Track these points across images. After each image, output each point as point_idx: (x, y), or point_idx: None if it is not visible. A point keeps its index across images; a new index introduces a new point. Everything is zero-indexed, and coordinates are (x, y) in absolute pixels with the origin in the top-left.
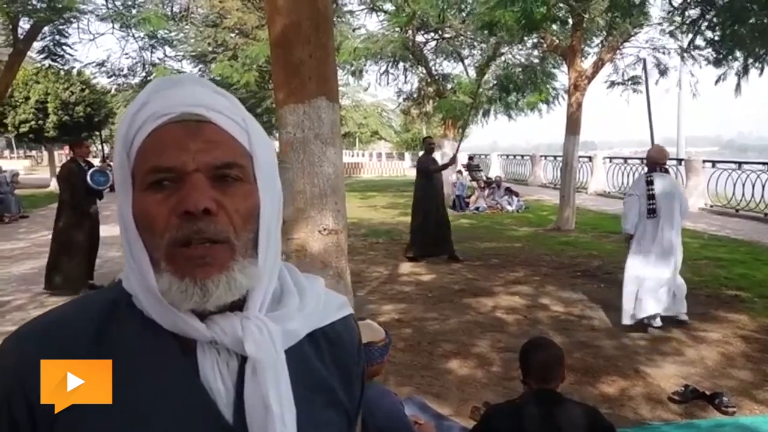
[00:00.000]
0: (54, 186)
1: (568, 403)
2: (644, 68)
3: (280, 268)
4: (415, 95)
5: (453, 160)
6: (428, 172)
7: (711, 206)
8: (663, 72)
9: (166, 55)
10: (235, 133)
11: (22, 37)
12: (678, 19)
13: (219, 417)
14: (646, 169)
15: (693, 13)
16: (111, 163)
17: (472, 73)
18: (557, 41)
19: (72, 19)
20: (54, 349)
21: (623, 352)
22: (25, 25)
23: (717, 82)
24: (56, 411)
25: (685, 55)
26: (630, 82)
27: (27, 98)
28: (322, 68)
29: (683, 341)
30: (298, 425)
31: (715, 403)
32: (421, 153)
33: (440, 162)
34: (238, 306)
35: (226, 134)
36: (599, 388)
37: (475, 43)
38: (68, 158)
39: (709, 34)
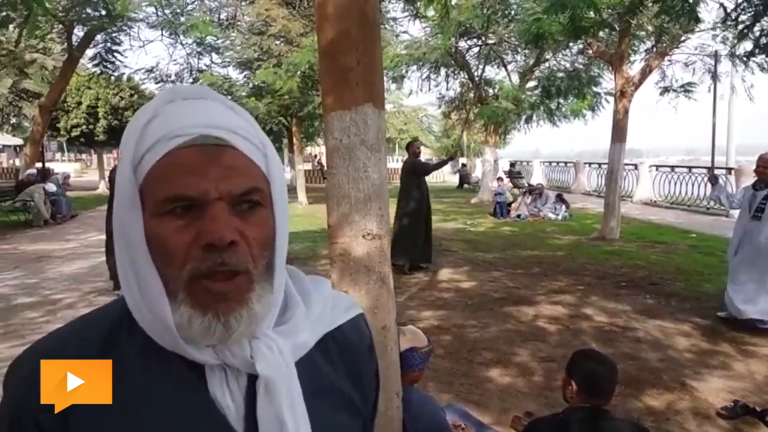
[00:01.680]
0: (102, 188)
1: (617, 421)
2: (715, 64)
3: (285, 276)
4: (456, 101)
5: (452, 158)
6: (426, 171)
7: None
8: (716, 77)
9: (212, 62)
10: (254, 157)
11: (75, 44)
12: (730, 25)
13: (230, 430)
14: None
15: (745, 18)
16: None
17: (516, 78)
18: (604, 47)
19: (124, 27)
20: None
21: (669, 364)
22: (79, 32)
23: None
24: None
25: (737, 60)
26: (683, 89)
27: (79, 103)
28: (369, 75)
29: (731, 355)
30: None
31: (766, 420)
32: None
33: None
34: None
35: (246, 159)
36: (644, 401)
37: (519, 49)
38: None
39: (763, 39)
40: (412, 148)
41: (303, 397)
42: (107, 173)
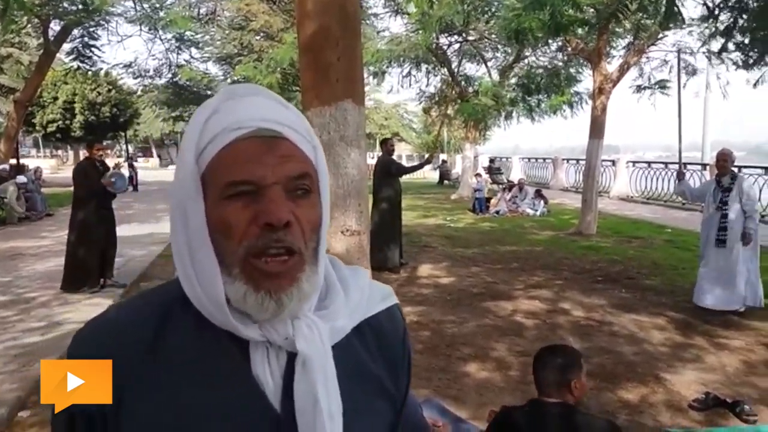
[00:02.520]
0: None
1: (587, 416)
2: (678, 62)
3: (326, 263)
4: (436, 97)
5: (429, 161)
6: (401, 172)
7: None
8: (692, 73)
9: (192, 57)
10: (304, 148)
11: (52, 39)
12: (710, 23)
13: (269, 408)
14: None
15: (724, 17)
16: (133, 164)
17: (496, 75)
18: (582, 44)
19: (101, 22)
20: (112, 348)
21: (643, 358)
22: (55, 27)
23: (756, 85)
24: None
25: (713, 58)
26: (657, 86)
27: (55, 98)
28: (349, 71)
29: (704, 348)
30: (345, 416)
31: (736, 411)
32: (380, 154)
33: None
34: None
35: (297, 149)
36: (619, 394)
37: (499, 46)
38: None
39: (739, 37)
40: (386, 145)
41: (339, 380)
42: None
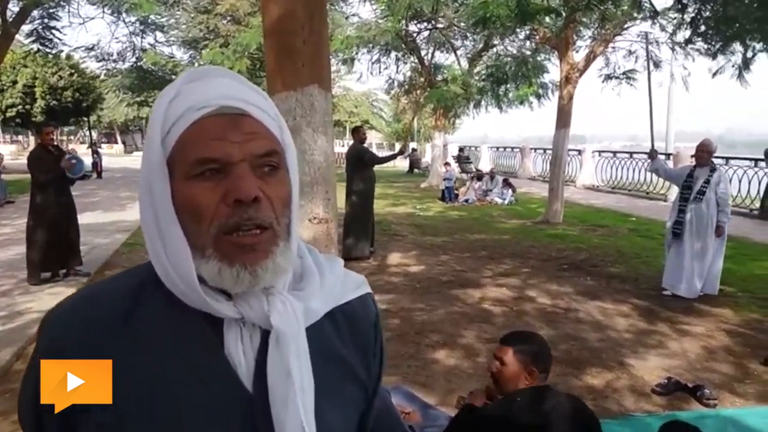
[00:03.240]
0: None
1: (556, 394)
2: (647, 47)
3: (302, 248)
4: (406, 85)
5: (402, 152)
6: (374, 161)
7: None
8: (656, 64)
9: (156, 41)
10: (269, 125)
11: (10, 20)
12: (676, 14)
13: (241, 387)
14: (693, 162)
15: (691, 9)
16: (97, 151)
17: (465, 63)
18: (549, 33)
19: (62, 3)
20: (84, 324)
21: (608, 344)
22: (14, 7)
23: (715, 74)
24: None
25: (677, 48)
26: (624, 76)
27: (14, 82)
28: (315, 56)
29: (667, 334)
30: (315, 396)
31: (697, 396)
32: (351, 143)
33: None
34: None
35: (262, 126)
36: (584, 380)
37: (468, 34)
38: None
39: (703, 27)
40: (358, 134)
41: (312, 362)
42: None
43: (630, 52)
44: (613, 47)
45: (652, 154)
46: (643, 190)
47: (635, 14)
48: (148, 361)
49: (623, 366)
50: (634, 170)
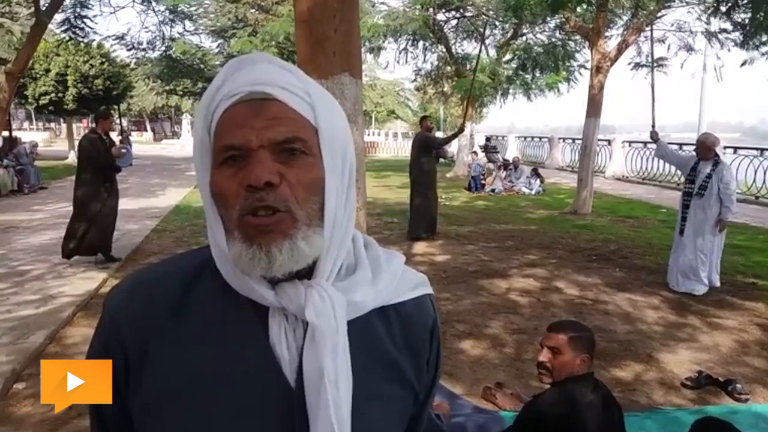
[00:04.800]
0: (72, 158)
1: (597, 380)
2: (651, 35)
3: (358, 240)
4: (433, 74)
5: (462, 130)
6: (439, 144)
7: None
8: (688, 51)
9: (185, 30)
10: (299, 108)
11: (43, 9)
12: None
13: (282, 378)
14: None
15: None
16: (128, 138)
17: (493, 52)
18: (581, 22)
19: None
20: (143, 302)
21: (638, 336)
22: None
23: (743, 64)
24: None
25: (711, 37)
26: (655, 64)
27: (47, 70)
28: (346, 44)
29: (698, 327)
30: (355, 393)
31: (728, 390)
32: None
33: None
34: (309, 275)
35: (290, 110)
36: (612, 372)
37: (497, 23)
38: (88, 130)
39: (737, 17)
40: (425, 123)
41: (356, 359)
42: (77, 142)
43: (661, 41)
44: (646, 36)
45: (654, 135)
46: (674, 181)
47: (668, 3)
48: (196, 345)
49: (652, 359)
50: (664, 161)
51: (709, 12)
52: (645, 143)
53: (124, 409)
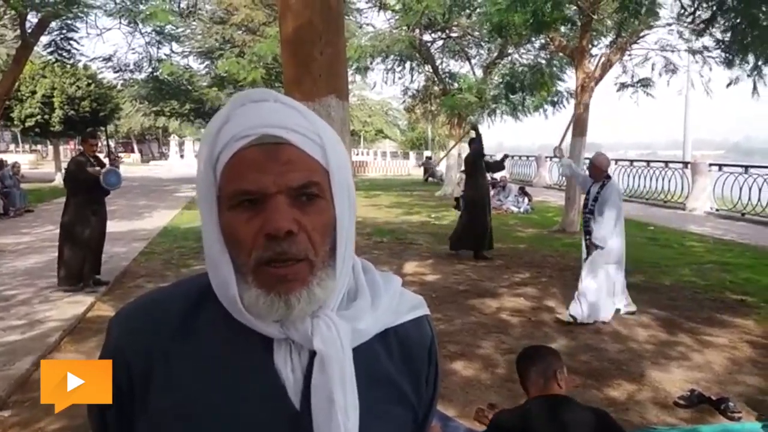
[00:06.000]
0: (59, 180)
1: (577, 406)
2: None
3: (357, 266)
4: (420, 94)
5: (507, 156)
6: (491, 168)
7: (717, 210)
8: (672, 71)
9: (173, 51)
10: (311, 151)
11: (29, 31)
12: (688, 20)
13: (288, 403)
14: (594, 177)
15: (704, 15)
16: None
17: (479, 72)
18: (565, 42)
19: (80, 14)
20: (147, 326)
21: (629, 355)
22: (33, 19)
23: (729, 85)
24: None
25: (695, 56)
26: (640, 84)
27: (33, 92)
28: (332, 66)
29: (690, 345)
30: (360, 416)
31: (722, 409)
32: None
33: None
34: None
35: (303, 154)
36: (605, 391)
37: (483, 43)
38: (76, 152)
39: (719, 35)
40: (474, 144)
41: (358, 382)
42: (63, 165)
43: (645, 59)
44: (630, 55)
45: (556, 152)
46: (661, 198)
47: (651, 23)
48: (200, 369)
49: (645, 378)
50: (651, 179)
51: (689, 31)
52: (631, 161)
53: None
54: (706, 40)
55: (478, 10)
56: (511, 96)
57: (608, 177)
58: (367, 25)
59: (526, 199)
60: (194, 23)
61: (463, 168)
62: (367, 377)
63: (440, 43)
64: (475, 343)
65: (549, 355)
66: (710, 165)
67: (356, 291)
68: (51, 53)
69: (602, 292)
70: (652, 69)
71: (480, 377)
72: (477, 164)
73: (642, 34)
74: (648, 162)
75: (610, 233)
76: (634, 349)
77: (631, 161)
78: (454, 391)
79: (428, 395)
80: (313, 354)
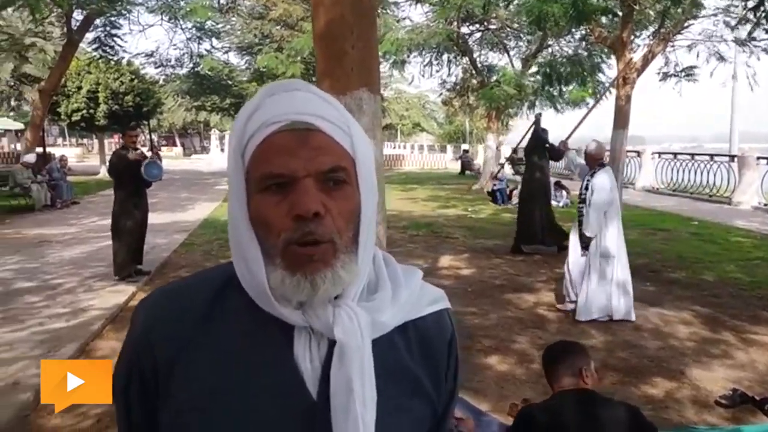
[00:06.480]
0: (103, 173)
1: (607, 401)
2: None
3: (378, 259)
4: (458, 87)
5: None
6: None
7: (765, 204)
8: (719, 58)
9: (213, 47)
10: (339, 138)
11: (75, 28)
12: (737, 7)
13: (306, 393)
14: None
15: (750, 2)
16: (158, 153)
17: (518, 64)
18: (606, 33)
19: (123, 11)
20: (171, 313)
21: (669, 352)
22: (78, 16)
23: None
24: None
25: (742, 46)
26: (683, 73)
27: (79, 88)
28: (364, 60)
29: (733, 344)
30: (378, 408)
31: (765, 409)
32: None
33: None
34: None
35: (331, 140)
36: (642, 389)
37: (522, 35)
38: (119, 146)
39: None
40: (534, 135)
41: (377, 374)
42: (108, 158)
43: (690, 48)
44: (673, 46)
45: (561, 146)
46: (706, 192)
47: (696, 12)
48: (221, 357)
49: (685, 376)
50: (696, 172)
51: (736, 22)
52: (675, 154)
53: (153, 423)
54: (753, 31)
55: (516, 1)
56: (550, 87)
57: (602, 165)
58: (405, 18)
59: (564, 193)
60: (233, 19)
61: (501, 161)
62: (386, 370)
63: (478, 35)
64: (510, 337)
65: (576, 352)
66: (758, 158)
67: (377, 283)
68: (96, 49)
69: (594, 287)
70: (697, 57)
71: (515, 372)
72: (535, 155)
73: (686, 24)
74: (692, 155)
75: (596, 222)
76: (674, 347)
77: (675, 154)
78: (488, 386)
79: (448, 390)
80: (332, 345)
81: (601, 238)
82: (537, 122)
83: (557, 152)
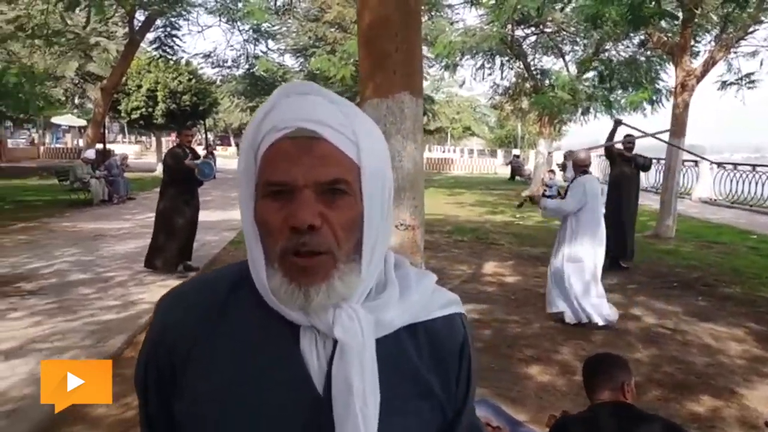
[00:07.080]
0: (160, 170)
1: (643, 415)
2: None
3: (389, 260)
4: (510, 91)
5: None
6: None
7: None
8: None
9: (268, 48)
10: (344, 147)
11: (137, 29)
12: None
13: (312, 388)
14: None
15: None
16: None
17: (573, 69)
18: (665, 38)
19: (182, 12)
20: (188, 309)
21: (718, 370)
22: (140, 17)
23: None
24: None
25: None
26: (744, 81)
27: (139, 86)
28: (407, 63)
29: None
30: (382, 408)
31: None
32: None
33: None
34: None
35: (335, 150)
36: (688, 406)
37: (577, 39)
38: (174, 144)
39: None
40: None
41: (383, 375)
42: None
43: (753, 54)
44: (736, 52)
45: (567, 157)
46: (767, 206)
47: (762, 17)
48: (232, 351)
49: (733, 394)
50: (757, 184)
51: None
52: (735, 165)
53: (170, 416)
54: None
55: (572, 3)
56: (605, 92)
57: (584, 172)
58: (459, 21)
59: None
60: (289, 21)
61: (550, 168)
62: (393, 370)
63: (533, 38)
64: (553, 348)
65: (619, 365)
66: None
67: (385, 283)
68: (156, 49)
69: (576, 293)
70: (761, 65)
71: (556, 383)
72: (616, 161)
73: (750, 30)
74: (754, 166)
75: (553, 211)
76: (724, 364)
77: (735, 165)
78: (527, 396)
79: (460, 394)
80: (337, 343)
81: (572, 243)
82: (615, 126)
83: (645, 163)
